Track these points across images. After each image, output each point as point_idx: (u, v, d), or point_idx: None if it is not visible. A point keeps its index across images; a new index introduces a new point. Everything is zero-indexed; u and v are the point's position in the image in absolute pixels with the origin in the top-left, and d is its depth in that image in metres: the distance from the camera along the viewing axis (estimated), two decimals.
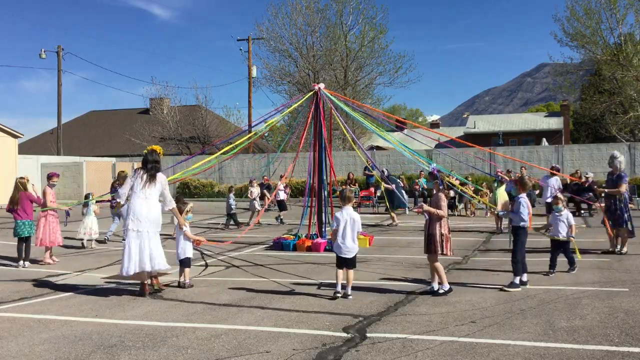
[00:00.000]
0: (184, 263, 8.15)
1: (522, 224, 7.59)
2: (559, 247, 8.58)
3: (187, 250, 8.20)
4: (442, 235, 7.20)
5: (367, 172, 22.19)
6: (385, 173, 16.49)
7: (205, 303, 7.07)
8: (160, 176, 7.88)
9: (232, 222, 16.37)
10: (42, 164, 29.59)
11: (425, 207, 7.34)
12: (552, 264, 8.52)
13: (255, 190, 17.57)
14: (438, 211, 7.17)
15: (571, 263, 8.62)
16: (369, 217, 17.32)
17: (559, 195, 9.03)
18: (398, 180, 16.76)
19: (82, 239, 12.50)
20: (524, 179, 8.02)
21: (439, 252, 7.22)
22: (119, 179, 12.89)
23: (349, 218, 7.18)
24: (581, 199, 16.22)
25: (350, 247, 7.16)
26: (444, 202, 7.24)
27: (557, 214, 8.66)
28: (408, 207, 18.73)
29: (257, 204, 17.33)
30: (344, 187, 9.75)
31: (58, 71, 35.15)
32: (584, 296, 7.04)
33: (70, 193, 28.75)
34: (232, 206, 16.40)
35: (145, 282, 7.69)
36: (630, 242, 10.57)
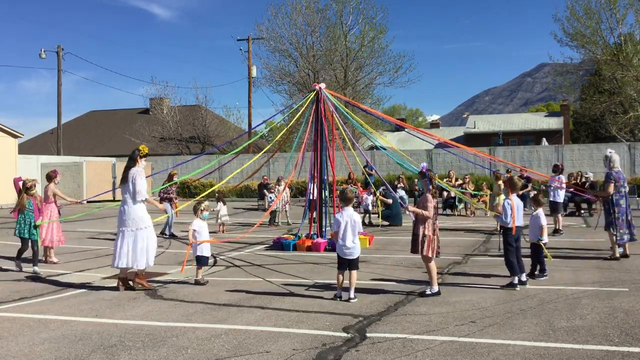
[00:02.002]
0: (199, 261, 8.27)
1: (506, 225, 7.60)
2: (532, 249, 8.40)
3: (202, 248, 8.33)
4: (424, 235, 7.16)
5: (367, 169, 22.15)
6: (382, 193, 16.37)
7: (205, 303, 7.07)
8: (130, 172, 7.96)
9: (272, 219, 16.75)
10: (42, 164, 29.57)
11: (411, 208, 7.32)
12: (533, 266, 8.38)
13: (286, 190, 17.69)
14: (423, 212, 7.13)
15: (541, 270, 8.29)
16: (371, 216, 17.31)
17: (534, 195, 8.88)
18: (395, 195, 16.49)
19: None
20: (513, 180, 7.93)
21: (418, 252, 7.21)
22: (169, 179, 14.22)
23: (350, 219, 7.11)
24: (582, 195, 16.24)
25: (352, 247, 7.10)
26: (431, 203, 7.17)
27: (532, 214, 8.58)
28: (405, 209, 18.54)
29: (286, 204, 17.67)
30: (344, 186, 9.66)
31: (58, 71, 35.15)
32: (584, 296, 7.04)
33: (70, 193, 28.65)
34: (271, 204, 16.83)
35: (123, 277, 7.99)
36: (629, 243, 10.54)
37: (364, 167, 20.61)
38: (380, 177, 16.51)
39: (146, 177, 8.34)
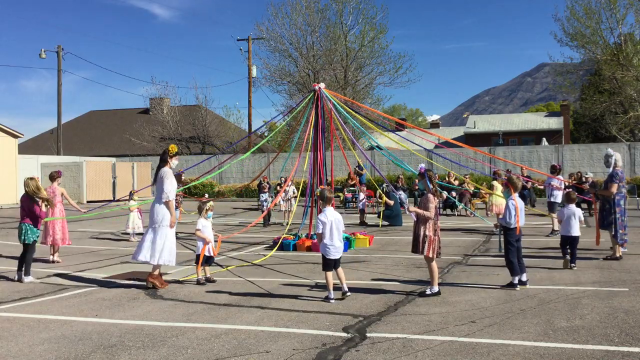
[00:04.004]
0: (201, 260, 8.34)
1: (509, 225, 7.62)
2: (568, 242, 9.15)
3: (206, 248, 8.37)
4: (425, 235, 7.15)
5: (358, 169, 22.15)
6: (385, 190, 16.33)
7: (205, 303, 7.07)
8: (160, 172, 8.06)
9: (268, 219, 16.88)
10: (42, 164, 29.58)
11: (412, 208, 7.31)
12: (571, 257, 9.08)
13: (291, 189, 17.64)
14: (424, 212, 7.13)
15: (572, 260, 9.03)
16: (369, 217, 17.31)
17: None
18: (398, 197, 16.45)
19: (128, 233, 13.62)
20: (512, 179, 7.93)
21: (419, 252, 7.21)
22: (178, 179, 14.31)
23: (334, 219, 7.07)
24: (584, 196, 16.22)
25: (339, 247, 7.09)
26: (432, 204, 7.16)
27: (564, 208, 9.28)
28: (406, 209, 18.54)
29: (293, 202, 17.59)
30: (322, 187, 9.57)
31: (58, 71, 35.13)
32: (584, 296, 7.04)
33: (70, 193, 28.59)
34: (264, 204, 16.86)
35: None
36: (630, 242, 10.55)
37: (356, 166, 20.63)
38: (382, 176, 16.52)
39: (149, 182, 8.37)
